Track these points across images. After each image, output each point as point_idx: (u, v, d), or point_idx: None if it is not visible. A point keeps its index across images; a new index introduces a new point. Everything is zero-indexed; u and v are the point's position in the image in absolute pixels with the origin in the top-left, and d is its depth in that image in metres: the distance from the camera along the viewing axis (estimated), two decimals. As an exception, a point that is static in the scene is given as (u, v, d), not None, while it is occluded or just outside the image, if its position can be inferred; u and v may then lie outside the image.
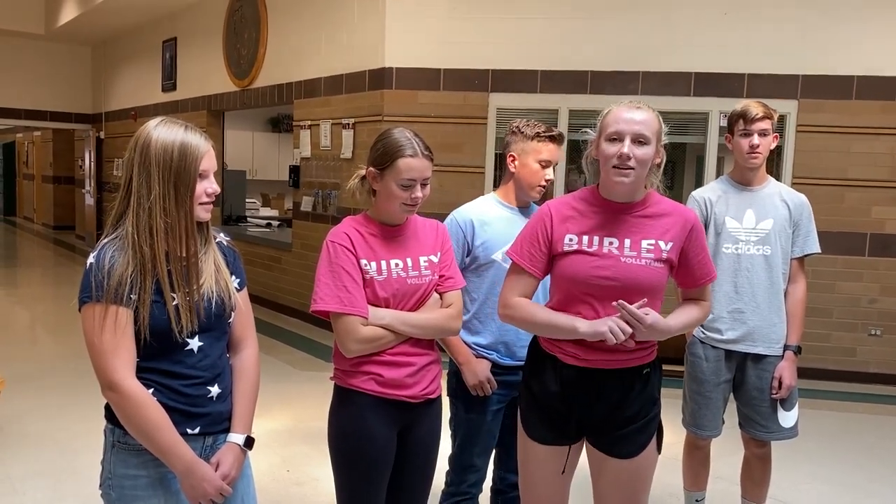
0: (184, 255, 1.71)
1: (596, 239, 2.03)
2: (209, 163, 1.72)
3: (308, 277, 7.26)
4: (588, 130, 2.11)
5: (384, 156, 2.07)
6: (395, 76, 6.32)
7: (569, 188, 6.67)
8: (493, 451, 2.67)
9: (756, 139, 2.77)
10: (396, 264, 2.09)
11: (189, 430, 1.74)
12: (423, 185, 2.08)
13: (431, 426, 2.19)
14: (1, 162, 19.87)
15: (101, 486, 1.78)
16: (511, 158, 2.54)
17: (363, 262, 2.06)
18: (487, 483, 2.71)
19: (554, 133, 2.53)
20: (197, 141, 1.70)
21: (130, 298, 1.65)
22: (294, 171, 7.72)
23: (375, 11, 6.41)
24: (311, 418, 4.46)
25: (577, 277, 2.02)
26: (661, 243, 2.01)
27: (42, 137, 16.86)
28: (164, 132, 1.68)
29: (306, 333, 6.97)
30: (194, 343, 1.75)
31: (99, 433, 1.82)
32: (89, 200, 13.38)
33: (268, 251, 8.34)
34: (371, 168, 2.10)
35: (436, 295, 2.16)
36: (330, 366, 2.20)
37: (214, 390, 1.78)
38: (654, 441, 2.10)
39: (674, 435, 3.29)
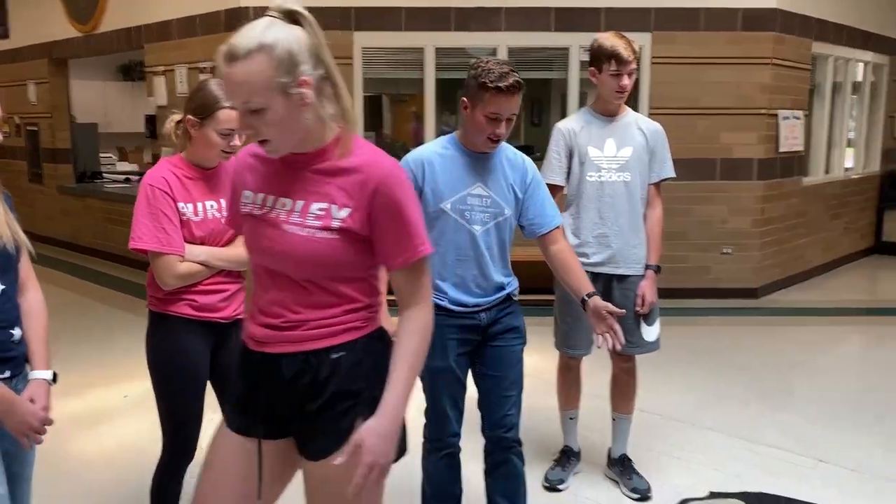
0: None
1: (271, 199, 1.61)
2: None
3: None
4: None
5: (203, 107, 2.23)
6: (253, 15, 6.01)
7: (440, 132, 6.68)
8: (476, 400, 2.55)
9: (625, 80, 2.87)
10: (211, 206, 2.30)
11: (0, 375, 1.80)
12: (240, 135, 2.24)
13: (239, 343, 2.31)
14: None
15: None
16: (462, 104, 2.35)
17: (181, 204, 2.24)
18: (474, 434, 2.59)
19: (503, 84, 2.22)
20: None
21: None
22: (150, 121, 7.29)
23: (227, -54, 6.06)
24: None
25: (248, 247, 1.68)
26: (335, 208, 1.55)
27: None
28: None
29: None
30: None
31: None
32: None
33: (127, 208, 7.73)
34: (190, 117, 2.25)
35: None
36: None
37: (17, 333, 1.86)
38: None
39: (548, 361, 3.45)
